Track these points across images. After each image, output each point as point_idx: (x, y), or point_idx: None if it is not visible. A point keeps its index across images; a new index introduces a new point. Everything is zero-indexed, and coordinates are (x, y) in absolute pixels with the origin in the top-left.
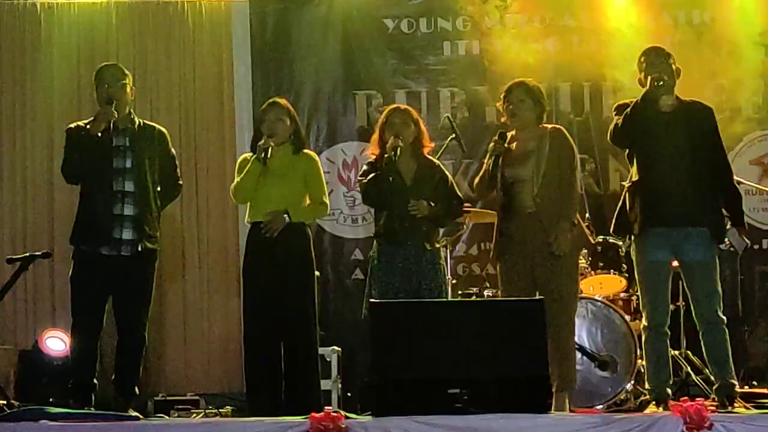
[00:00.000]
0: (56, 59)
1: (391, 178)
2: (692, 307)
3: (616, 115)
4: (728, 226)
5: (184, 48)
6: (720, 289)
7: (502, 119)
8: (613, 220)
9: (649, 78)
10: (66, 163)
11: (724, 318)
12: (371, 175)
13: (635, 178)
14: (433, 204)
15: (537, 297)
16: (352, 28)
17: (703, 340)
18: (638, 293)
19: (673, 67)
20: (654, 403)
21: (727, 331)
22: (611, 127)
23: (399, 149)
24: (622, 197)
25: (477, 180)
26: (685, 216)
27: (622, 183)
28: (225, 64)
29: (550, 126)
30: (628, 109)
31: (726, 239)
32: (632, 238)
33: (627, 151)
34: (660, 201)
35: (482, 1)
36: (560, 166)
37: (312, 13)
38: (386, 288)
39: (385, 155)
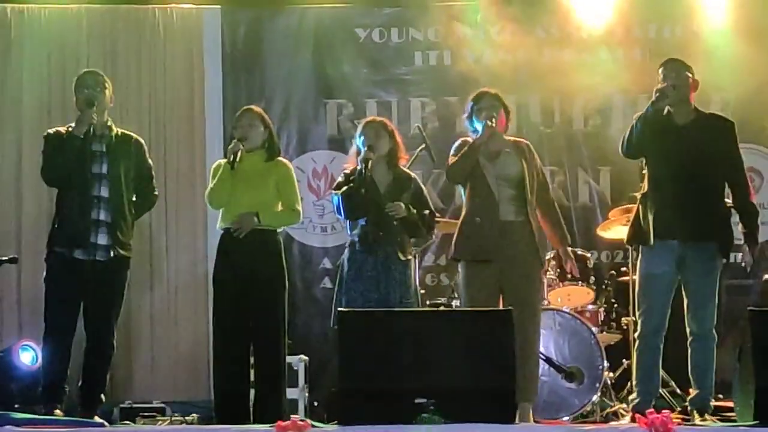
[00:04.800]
0: (26, 65)
1: (363, 191)
2: (686, 318)
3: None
4: (742, 242)
5: (155, 54)
6: (716, 303)
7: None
8: (628, 230)
9: (655, 89)
10: (47, 166)
11: (716, 335)
12: (344, 188)
13: (645, 189)
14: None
15: (502, 305)
16: (323, 36)
17: (691, 349)
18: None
19: (689, 79)
20: (631, 413)
21: (715, 347)
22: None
23: (370, 162)
24: (636, 208)
25: (456, 159)
26: (693, 230)
27: (634, 194)
28: (196, 70)
29: (521, 139)
30: (635, 121)
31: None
32: (639, 248)
33: (642, 161)
34: (668, 214)
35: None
36: (539, 182)
37: (284, 22)
38: (354, 296)
39: (356, 168)
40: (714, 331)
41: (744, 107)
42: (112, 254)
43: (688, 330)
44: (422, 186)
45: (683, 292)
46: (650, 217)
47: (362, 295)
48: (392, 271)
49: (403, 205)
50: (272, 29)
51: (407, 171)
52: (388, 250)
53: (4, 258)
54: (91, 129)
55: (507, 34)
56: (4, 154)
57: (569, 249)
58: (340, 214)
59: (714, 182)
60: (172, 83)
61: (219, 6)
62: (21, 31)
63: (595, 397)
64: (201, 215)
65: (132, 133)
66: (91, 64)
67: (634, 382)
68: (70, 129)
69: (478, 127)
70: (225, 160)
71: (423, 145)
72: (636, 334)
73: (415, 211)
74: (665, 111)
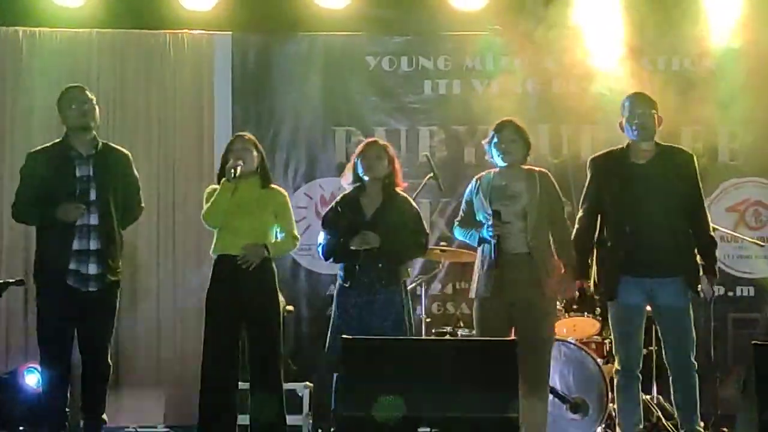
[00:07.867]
0: (37, 87)
1: (342, 240)
2: (664, 352)
3: (590, 171)
4: (700, 273)
5: (165, 79)
6: (693, 334)
7: (487, 157)
8: (593, 284)
9: (631, 125)
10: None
11: (695, 364)
12: (330, 245)
13: (607, 229)
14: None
15: (513, 338)
16: (333, 64)
17: (673, 385)
18: (611, 337)
19: (655, 116)
20: None
21: (697, 377)
22: (579, 226)
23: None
24: (595, 259)
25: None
26: (660, 265)
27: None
28: (206, 96)
29: (536, 168)
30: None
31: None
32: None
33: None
34: (634, 251)
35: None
36: (552, 211)
37: (294, 48)
38: (341, 325)
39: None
40: (692, 359)
41: (753, 140)
42: (104, 282)
43: (667, 363)
44: (415, 208)
45: (658, 327)
46: (615, 257)
47: (349, 327)
48: (375, 302)
49: (371, 234)
50: (282, 56)
51: (400, 193)
52: (370, 280)
53: (10, 280)
54: (81, 152)
55: (516, 64)
56: (14, 177)
57: (571, 270)
58: (321, 256)
59: (678, 215)
60: (182, 108)
61: (230, 32)
62: (32, 54)
63: (599, 429)
64: (207, 240)
65: (118, 147)
66: (101, 88)
67: (617, 416)
68: (56, 147)
69: (496, 158)
70: (217, 186)
71: (431, 174)
72: (615, 369)
73: (394, 238)
74: (622, 147)
